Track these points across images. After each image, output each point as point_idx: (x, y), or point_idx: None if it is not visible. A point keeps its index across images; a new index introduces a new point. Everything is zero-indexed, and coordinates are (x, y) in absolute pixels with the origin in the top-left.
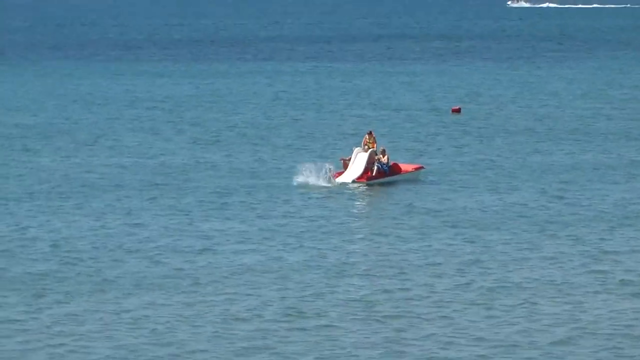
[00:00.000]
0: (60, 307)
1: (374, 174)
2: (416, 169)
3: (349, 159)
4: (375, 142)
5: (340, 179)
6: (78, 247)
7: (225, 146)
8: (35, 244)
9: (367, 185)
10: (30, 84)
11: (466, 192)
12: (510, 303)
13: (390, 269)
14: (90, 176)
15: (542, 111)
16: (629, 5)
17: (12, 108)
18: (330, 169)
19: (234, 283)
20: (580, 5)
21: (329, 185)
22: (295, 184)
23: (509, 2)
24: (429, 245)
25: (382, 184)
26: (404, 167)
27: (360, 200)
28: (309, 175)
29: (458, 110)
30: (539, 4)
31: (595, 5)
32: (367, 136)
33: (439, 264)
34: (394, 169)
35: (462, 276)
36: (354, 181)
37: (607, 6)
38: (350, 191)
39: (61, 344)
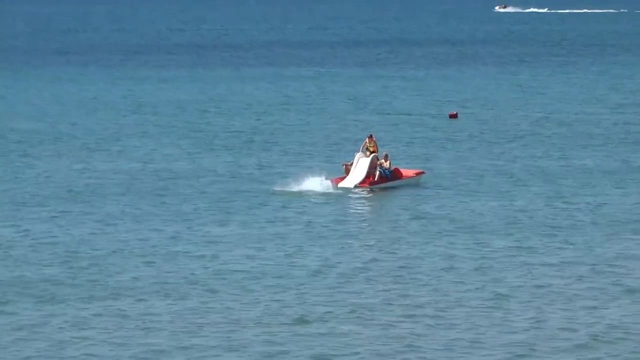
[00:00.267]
0: (67, 311)
1: (376, 178)
2: (417, 173)
3: (351, 164)
4: (377, 145)
5: (343, 184)
6: (82, 252)
7: (228, 151)
8: (40, 249)
9: (369, 190)
10: (33, 89)
11: (468, 197)
12: (515, 308)
13: (393, 274)
14: (94, 181)
15: (543, 116)
16: (612, 10)
17: (16, 113)
18: (326, 180)
19: (236, 288)
20: (567, 10)
21: (330, 191)
22: (296, 190)
23: (496, 8)
24: (432, 251)
25: (383, 189)
26: (405, 172)
27: (362, 205)
28: (308, 184)
29: (455, 116)
30: (526, 9)
31: (584, 10)
32: (367, 139)
33: (442, 269)
34: (395, 174)
35: (465, 281)
36: (356, 186)
37: (594, 11)
38: (352, 196)
39: (68, 348)
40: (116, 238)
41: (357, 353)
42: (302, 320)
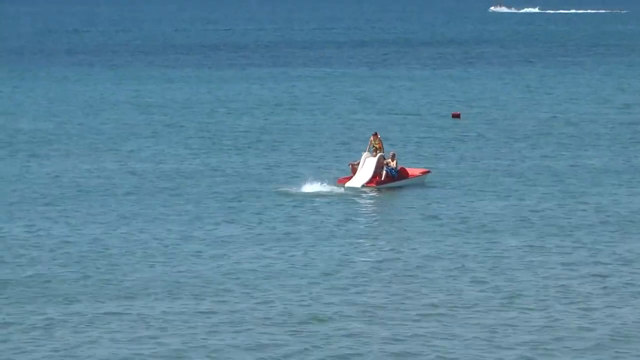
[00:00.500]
0: (77, 311)
1: (382, 178)
2: (423, 173)
3: (358, 164)
4: (382, 143)
5: (350, 184)
6: (92, 251)
7: (236, 151)
8: (50, 248)
9: (376, 189)
10: (39, 90)
11: (474, 197)
12: (525, 308)
13: (403, 274)
14: (100, 181)
15: (548, 116)
16: (602, 11)
17: (21, 113)
18: (327, 184)
19: (247, 287)
20: (560, 11)
21: (337, 191)
22: (304, 189)
23: (491, 8)
24: (441, 250)
25: (390, 188)
26: (412, 171)
27: (370, 205)
28: (315, 183)
29: (458, 116)
30: (521, 10)
31: (572, 11)
32: (372, 138)
33: (452, 268)
34: (402, 174)
35: (475, 280)
36: (363, 186)
37: (586, 11)
38: (359, 196)
39: (80, 348)
40: (125, 238)
41: (369, 352)
42: (312, 320)
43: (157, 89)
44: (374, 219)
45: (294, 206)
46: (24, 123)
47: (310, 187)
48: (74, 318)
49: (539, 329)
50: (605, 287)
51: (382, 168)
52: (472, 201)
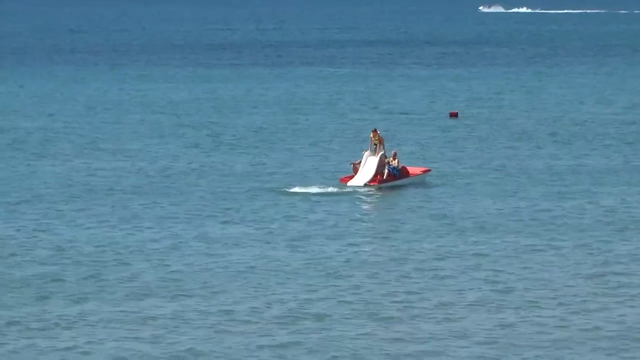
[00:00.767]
0: (65, 310)
1: (384, 177)
2: (424, 171)
3: (359, 163)
4: (382, 139)
5: (352, 183)
6: (82, 250)
7: (229, 150)
8: (39, 247)
9: (378, 188)
10: (32, 88)
11: (473, 196)
12: (525, 307)
13: (399, 272)
14: (94, 180)
15: (548, 116)
16: (589, 11)
17: (14, 112)
18: (321, 187)
19: (238, 286)
20: (551, 11)
21: (339, 190)
22: (304, 189)
23: (480, 7)
24: (438, 248)
25: (391, 187)
26: (412, 170)
27: (372, 203)
28: (313, 184)
29: (455, 115)
30: (511, 9)
31: (566, 11)
32: (372, 134)
33: (448, 267)
34: (403, 172)
35: (470, 279)
36: (365, 185)
37: (576, 11)
38: (361, 195)
39: (66, 347)
40: (125, 237)
41: (370, 352)
42: (313, 319)
43: (157, 88)
44: (375, 218)
45: (296, 205)
46: (24, 122)
47: (311, 187)
48: (76, 318)
49: (540, 328)
50: (607, 287)
51: (384, 167)
52: (473, 200)
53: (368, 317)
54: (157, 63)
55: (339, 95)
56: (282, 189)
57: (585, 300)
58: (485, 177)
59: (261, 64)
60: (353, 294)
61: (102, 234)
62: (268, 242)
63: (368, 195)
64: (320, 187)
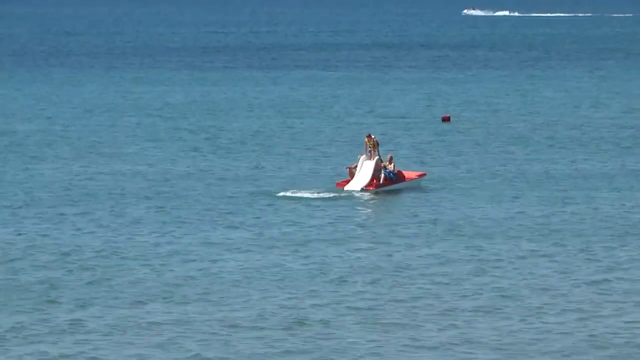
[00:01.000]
0: (64, 314)
1: (381, 181)
2: (419, 175)
3: (355, 167)
4: (377, 144)
5: (348, 187)
6: (79, 255)
7: (225, 154)
8: (39, 252)
9: (374, 192)
10: (29, 91)
11: (468, 200)
12: (519, 313)
13: (398, 277)
14: (91, 183)
15: (541, 120)
16: (580, 14)
17: (11, 115)
18: (318, 193)
19: (236, 291)
20: (534, 14)
21: (334, 194)
22: (300, 193)
23: (464, 11)
24: (436, 254)
25: (386, 191)
26: (408, 174)
27: (368, 208)
28: (309, 188)
29: (447, 119)
30: (495, 13)
31: (549, 15)
32: (366, 139)
33: (445, 273)
34: (399, 176)
35: (468, 285)
36: (362, 189)
37: (559, 15)
38: (357, 199)
39: (68, 354)
40: (122, 241)
41: (365, 356)
42: (305, 324)
43: (153, 91)
44: (373, 222)
45: (293, 210)
46: (21, 125)
47: (308, 191)
48: (75, 324)
49: (535, 333)
50: (603, 293)
51: (380, 171)
52: (469, 205)
53: (369, 322)
54: (152, 66)
55: (334, 99)
56: (279, 194)
57: (585, 307)
58: (481, 182)
59: (256, 67)
60: (353, 299)
61: (100, 239)
62: (266, 247)
63: (365, 200)
64: (317, 192)
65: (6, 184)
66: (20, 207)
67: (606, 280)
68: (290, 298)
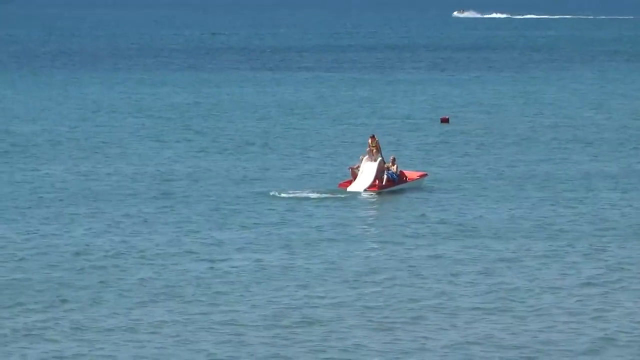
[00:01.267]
0: (70, 315)
1: (383, 183)
2: (421, 176)
3: (357, 167)
4: (379, 145)
5: (351, 188)
6: (87, 254)
7: (227, 155)
8: (44, 251)
9: (376, 193)
10: (34, 93)
11: (468, 201)
12: (520, 312)
13: (398, 277)
14: (96, 184)
15: (542, 121)
16: (569, 16)
17: (17, 116)
18: (316, 193)
19: (240, 291)
20: (527, 16)
21: (337, 195)
22: (302, 194)
23: (455, 13)
24: (436, 254)
25: (390, 192)
26: (409, 174)
27: (370, 209)
28: (311, 188)
29: (447, 120)
30: (486, 15)
31: (543, 16)
32: (370, 140)
33: (447, 272)
34: (401, 177)
35: (472, 285)
36: (365, 190)
37: (551, 17)
38: (359, 200)
39: (73, 354)
40: (120, 241)
41: (366, 356)
42: (309, 324)
43: (150, 92)
44: (375, 223)
45: (296, 211)
46: (16, 126)
47: (311, 192)
48: (77, 324)
49: (534, 333)
50: (600, 292)
51: (383, 172)
52: (470, 206)
53: (364, 321)
54: (156, 67)
55: (336, 100)
56: (282, 194)
57: (593, 306)
58: (483, 183)
59: (260, 68)
60: (356, 299)
61: (107, 239)
62: (269, 248)
63: (367, 201)
64: (320, 192)
65: (13, 184)
66: (27, 208)
67: (612, 279)
68: (294, 298)
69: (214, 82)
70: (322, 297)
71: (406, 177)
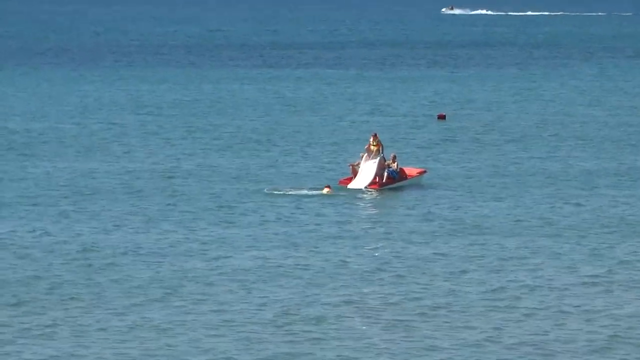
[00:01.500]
0: (73, 313)
1: (384, 180)
2: (420, 173)
3: (357, 164)
4: (380, 144)
5: (352, 185)
6: (77, 252)
7: (227, 152)
8: (38, 249)
9: (377, 190)
10: (36, 90)
11: (467, 198)
12: (525, 309)
13: (398, 275)
14: (98, 182)
15: (538, 118)
16: (561, 13)
17: (18, 114)
18: (311, 190)
19: (238, 289)
20: (510, 13)
21: (337, 192)
22: (301, 191)
23: (443, 9)
24: (437, 251)
25: (390, 189)
26: (409, 170)
27: (370, 205)
28: (310, 186)
29: (443, 117)
30: (473, 11)
31: (529, 13)
32: (371, 139)
33: (447, 270)
34: (401, 175)
35: (469, 282)
36: (366, 188)
37: (540, 13)
38: (359, 197)
39: (68, 352)
40: (120, 239)
41: (367, 354)
42: (311, 322)
43: (151, 89)
44: (376, 220)
45: (296, 208)
46: (18, 123)
47: (311, 189)
48: (71, 321)
49: (535, 330)
50: (602, 289)
51: (384, 170)
52: (471, 203)
53: (365, 319)
54: (155, 64)
55: (335, 97)
56: (282, 192)
57: (593, 304)
58: (483, 180)
59: (254, 65)
60: (350, 296)
61: (93, 236)
62: (264, 244)
63: (368, 198)
64: (320, 189)
65: (15, 182)
66: (16, 205)
67: (606, 275)
68: (300, 296)
69: (214, 78)
70: (321, 295)
71: (406, 175)
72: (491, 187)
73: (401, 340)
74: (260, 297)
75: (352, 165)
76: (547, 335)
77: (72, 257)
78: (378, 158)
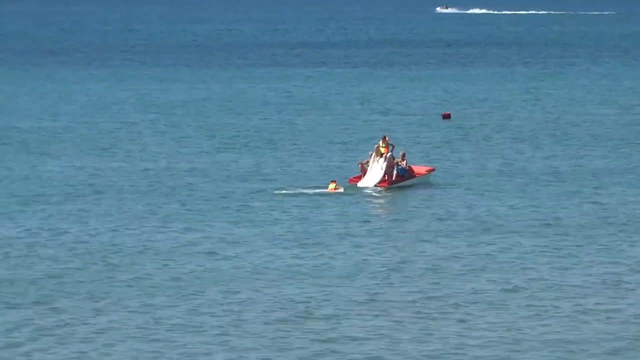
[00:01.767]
0: (81, 311)
1: (393, 178)
2: (428, 171)
3: (367, 163)
4: (389, 147)
5: (361, 184)
6: (85, 251)
7: (234, 151)
8: (48, 247)
9: (386, 188)
10: (43, 89)
11: (480, 196)
12: (542, 307)
13: (411, 273)
14: (96, 180)
15: (546, 116)
16: (552, 12)
17: (27, 113)
18: (316, 190)
19: (248, 287)
20: (505, 12)
21: (347, 191)
22: (311, 189)
23: (437, 8)
24: (448, 250)
25: (399, 187)
26: (417, 169)
27: (379, 203)
28: (320, 185)
29: (448, 116)
30: (468, 10)
31: (522, 12)
32: (380, 141)
33: (459, 268)
34: (410, 173)
35: (482, 280)
36: (375, 186)
37: (534, 12)
38: (368, 195)
39: (78, 350)
40: (130, 238)
41: (379, 352)
42: (323, 320)
43: (159, 88)
44: (385, 218)
45: (305, 206)
46: (28, 122)
47: (320, 187)
48: (82, 320)
49: (550, 328)
50: (619, 288)
51: (393, 168)
52: (478, 201)
53: (377, 317)
54: (164, 63)
55: (342, 95)
56: (292, 190)
57: (597, 302)
58: (490, 178)
59: (260, 64)
60: (362, 294)
61: (103, 234)
62: (280, 243)
63: (377, 196)
64: (327, 188)
65: (23, 180)
66: (28, 204)
67: (621, 273)
68: (303, 294)
69: (224, 78)
70: (332, 293)
71: (415, 173)
72: (500, 185)
73: (418, 340)
74: (275, 296)
75: (361, 164)
76: (565, 334)
77: (86, 256)
78: (387, 156)
